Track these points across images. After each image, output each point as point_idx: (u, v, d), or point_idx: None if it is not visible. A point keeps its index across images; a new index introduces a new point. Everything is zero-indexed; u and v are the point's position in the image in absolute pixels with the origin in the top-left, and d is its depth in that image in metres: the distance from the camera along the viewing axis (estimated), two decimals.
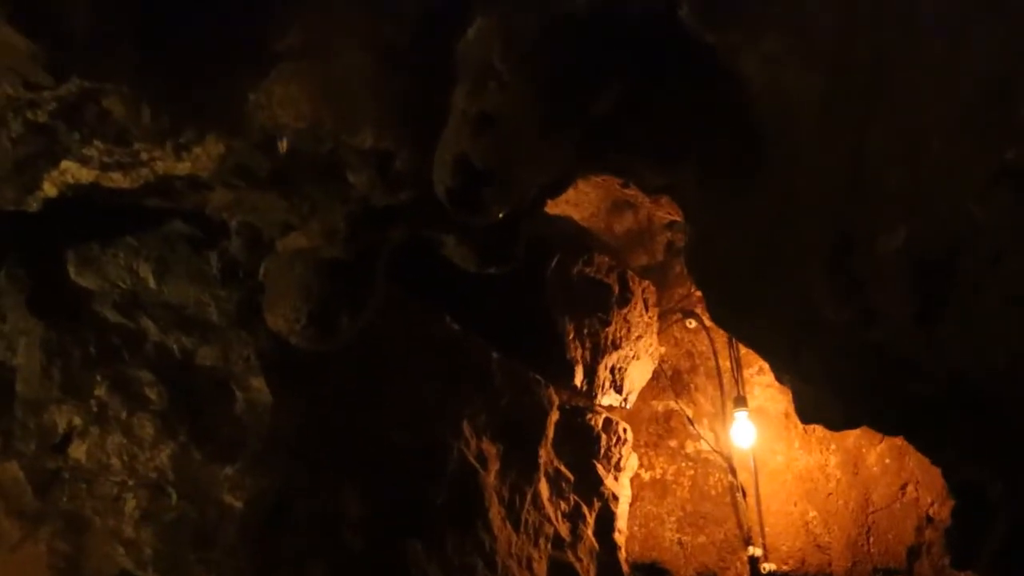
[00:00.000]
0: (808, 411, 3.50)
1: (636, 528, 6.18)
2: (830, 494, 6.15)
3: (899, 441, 5.55)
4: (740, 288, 2.94)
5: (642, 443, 6.36)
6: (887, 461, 5.94)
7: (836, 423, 3.45)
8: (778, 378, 3.89)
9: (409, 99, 2.77)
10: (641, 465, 6.29)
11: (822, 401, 3.32)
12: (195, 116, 2.82)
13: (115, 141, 2.83)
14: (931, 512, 5.61)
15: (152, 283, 3.64)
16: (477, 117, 2.59)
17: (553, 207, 5.27)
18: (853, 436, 6.08)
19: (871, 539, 5.94)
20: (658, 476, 6.37)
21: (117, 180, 3.03)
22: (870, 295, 2.39)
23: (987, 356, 2.23)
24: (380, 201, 3.04)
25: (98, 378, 3.55)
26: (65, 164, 2.96)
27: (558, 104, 2.65)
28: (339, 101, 2.75)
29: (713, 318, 3.34)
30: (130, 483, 3.50)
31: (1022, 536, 3.61)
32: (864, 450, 6.07)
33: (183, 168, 2.99)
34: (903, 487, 5.83)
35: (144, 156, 2.92)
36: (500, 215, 2.90)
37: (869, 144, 2.28)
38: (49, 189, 3.05)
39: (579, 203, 5.46)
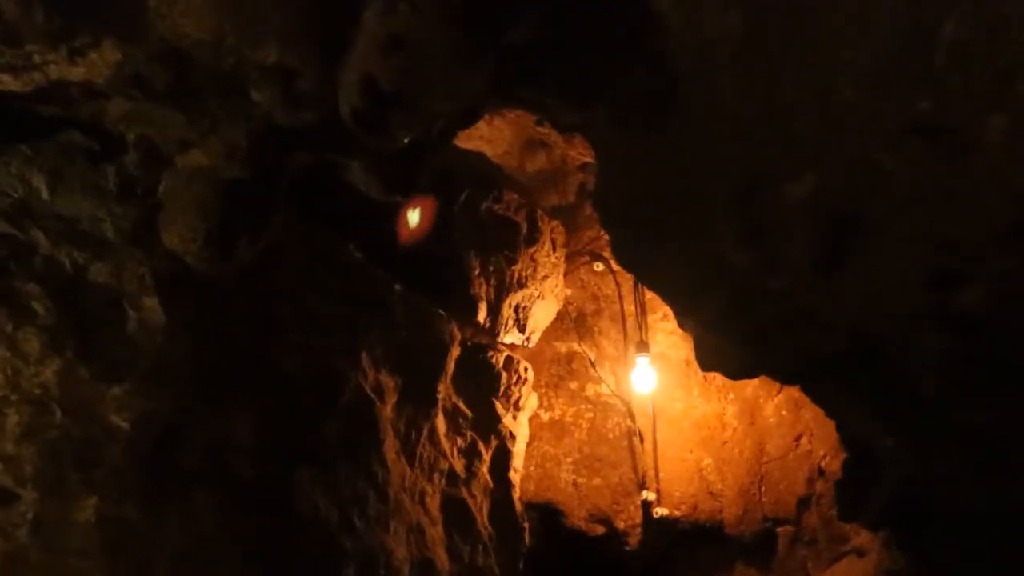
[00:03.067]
0: (708, 359, 3.51)
1: (532, 468, 6.21)
2: (726, 442, 6.23)
3: (796, 393, 5.62)
4: (646, 228, 2.92)
5: (543, 383, 6.38)
6: (783, 412, 6.00)
7: (734, 371, 3.47)
8: (681, 324, 3.90)
9: (317, 16, 2.68)
10: (541, 405, 6.31)
11: (721, 349, 3.32)
12: (91, 20, 2.70)
13: (6, 41, 2.70)
14: (823, 464, 5.68)
15: (45, 194, 3.52)
16: (386, 38, 2.52)
17: (466, 142, 5.22)
18: (751, 386, 6.15)
19: (763, 488, 6.02)
20: (557, 417, 6.40)
21: (7, 83, 2.91)
22: (773, 242, 2.37)
23: (885, 309, 2.23)
24: (283, 121, 2.95)
25: None
26: None
27: (470, 30, 2.59)
28: (243, 13, 2.65)
29: (617, 258, 3.31)
30: (12, 398, 3.39)
31: (908, 492, 3.68)
32: (762, 400, 6.14)
33: (77, 74, 2.88)
34: (797, 439, 5.90)
35: (37, 59, 2.80)
36: (405, 140, 2.85)
37: (782, 89, 2.24)
38: None
39: (492, 140, 5.40)
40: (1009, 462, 2.57)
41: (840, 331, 2.43)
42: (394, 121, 2.64)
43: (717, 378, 6.29)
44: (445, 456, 5.05)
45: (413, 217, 4.52)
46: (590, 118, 3.24)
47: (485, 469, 5.39)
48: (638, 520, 6.17)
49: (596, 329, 6.58)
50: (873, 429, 3.22)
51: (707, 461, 6.23)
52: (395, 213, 4.44)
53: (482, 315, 5.33)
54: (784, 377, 3.24)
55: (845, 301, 2.31)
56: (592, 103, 3.07)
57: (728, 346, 3.18)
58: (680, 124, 2.63)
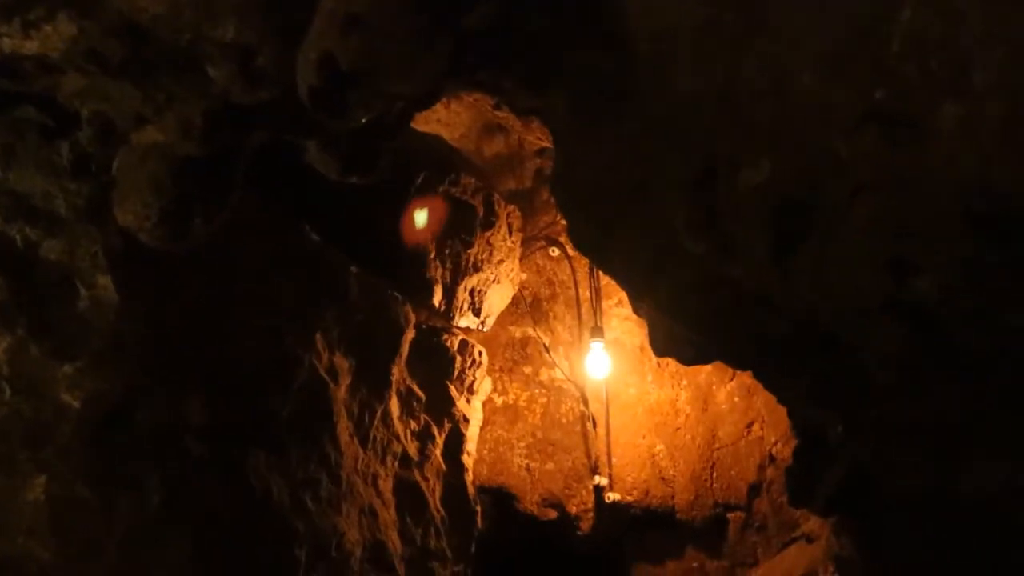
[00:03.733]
0: (661, 344, 3.53)
1: (485, 452, 6.22)
2: (678, 429, 6.26)
3: (748, 380, 5.66)
4: (602, 213, 2.92)
5: (497, 368, 6.38)
6: (736, 399, 6.04)
7: (687, 357, 3.49)
8: (635, 310, 3.92)
9: None
10: (495, 390, 6.31)
11: (675, 334, 3.34)
12: None
13: None
14: (774, 451, 5.74)
15: None
16: (345, 17, 2.50)
17: (424, 125, 5.21)
18: (705, 373, 6.19)
19: (714, 474, 6.06)
20: (511, 402, 6.40)
21: None
22: (729, 228, 2.38)
23: (837, 296, 2.24)
24: (240, 98, 2.93)
25: None
26: None
27: (429, 10, 2.58)
28: None
29: (574, 242, 3.32)
30: None
31: (858, 478, 3.72)
32: (715, 387, 6.18)
33: (31, 47, 2.84)
34: (749, 425, 5.95)
35: None
36: (363, 120, 2.83)
37: (741, 76, 2.26)
38: None
39: (450, 123, 5.41)
40: (957, 450, 2.60)
41: (794, 318, 2.44)
42: (353, 100, 2.62)
43: (671, 364, 6.31)
44: (398, 439, 5.04)
45: (420, 218, 4.48)
46: (548, 102, 3.24)
47: (438, 452, 5.39)
48: (590, 505, 6.19)
49: (551, 314, 6.58)
50: (824, 416, 3.25)
51: (659, 447, 6.25)
52: (354, 194, 4.40)
53: (437, 298, 5.32)
54: (737, 363, 3.26)
55: (799, 288, 2.33)
56: (550, 87, 3.06)
57: (682, 332, 3.19)
58: (638, 109, 2.64)
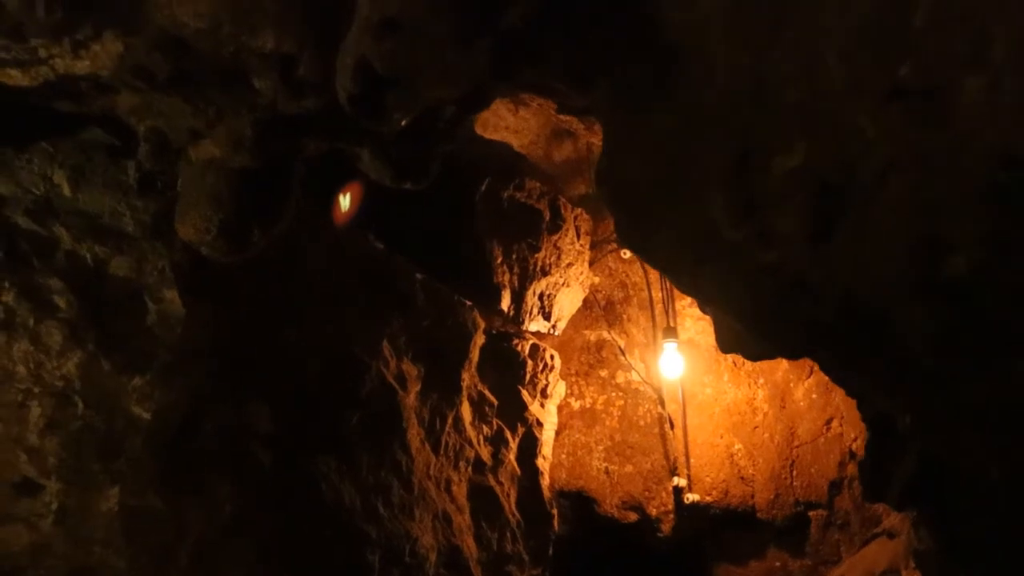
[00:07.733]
0: (727, 341, 3.50)
1: (564, 456, 6.23)
2: (756, 427, 6.21)
3: (826, 377, 5.60)
4: (644, 207, 2.91)
5: (573, 372, 6.40)
6: (814, 396, 5.99)
7: (752, 353, 3.45)
8: (702, 308, 3.88)
9: (312, 1, 2.71)
10: (571, 394, 6.32)
11: (739, 330, 3.31)
12: (91, 12, 2.73)
13: (10, 36, 2.74)
14: (854, 447, 5.67)
15: (67, 191, 3.57)
16: (380, 21, 2.53)
17: (494, 133, 5.24)
18: (782, 370, 6.14)
19: (794, 472, 6.01)
20: (588, 405, 6.41)
21: (16, 78, 2.94)
22: (766, 214, 2.36)
23: (874, 277, 2.22)
24: (287, 108, 2.97)
25: (6, 284, 3.48)
26: None
27: (465, 11, 2.59)
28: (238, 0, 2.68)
29: (619, 238, 3.31)
30: (35, 391, 3.45)
31: (930, 469, 3.65)
32: (792, 384, 6.12)
33: (82, 67, 2.90)
34: (828, 422, 5.88)
35: (42, 53, 2.84)
36: (403, 123, 2.85)
37: (773, 60, 2.24)
38: None
39: (519, 130, 5.42)
40: (1012, 433, 2.55)
41: (835, 303, 2.41)
42: (391, 104, 2.65)
43: (747, 363, 6.29)
44: (471, 444, 5.06)
45: (344, 202, 4.48)
46: (594, 99, 3.23)
47: (512, 457, 5.41)
48: (670, 506, 6.17)
49: (625, 316, 6.58)
50: (890, 405, 3.20)
51: (738, 446, 6.22)
52: (418, 202, 4.44)
53: (506, 303, 5.34)
54: (788, 352, 3.22)
55: (837, 271, 2.30)
56: (594, 84, 3.06)
57: (737, 324, 3.17)
58: (674, 101, 2.63)
